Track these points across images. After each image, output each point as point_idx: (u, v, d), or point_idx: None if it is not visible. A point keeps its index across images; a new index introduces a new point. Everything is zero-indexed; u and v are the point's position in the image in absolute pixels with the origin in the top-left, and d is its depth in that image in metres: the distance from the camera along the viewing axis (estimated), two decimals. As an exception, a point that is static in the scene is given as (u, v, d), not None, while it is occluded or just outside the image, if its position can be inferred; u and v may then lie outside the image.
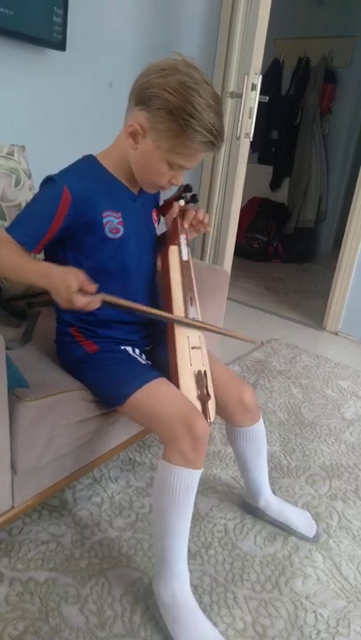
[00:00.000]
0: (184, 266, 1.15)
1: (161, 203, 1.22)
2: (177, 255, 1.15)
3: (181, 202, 1.16)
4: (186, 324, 1.09)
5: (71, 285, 0.88)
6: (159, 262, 1.20)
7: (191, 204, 1.18)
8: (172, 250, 1.15)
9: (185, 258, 1.15)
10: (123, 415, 1.13)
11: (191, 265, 1.17)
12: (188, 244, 1.17)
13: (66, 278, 0.89)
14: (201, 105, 0.91)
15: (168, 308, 1.11)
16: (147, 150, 0.98)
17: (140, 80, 0.96)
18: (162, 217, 1.22)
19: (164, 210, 1.20)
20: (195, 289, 1.15)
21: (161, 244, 1.21)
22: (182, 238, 1.16)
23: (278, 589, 1.13)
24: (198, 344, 1.10)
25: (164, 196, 1.22)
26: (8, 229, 1.00)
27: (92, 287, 0.89)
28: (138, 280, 1.14)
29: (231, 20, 2.25)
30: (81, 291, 0.88)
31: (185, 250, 1.16)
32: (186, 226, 1.17)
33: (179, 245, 1.15)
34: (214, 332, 1.18)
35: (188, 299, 1.12)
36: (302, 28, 3.99)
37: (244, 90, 2.15)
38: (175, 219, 1.17)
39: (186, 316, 1.10)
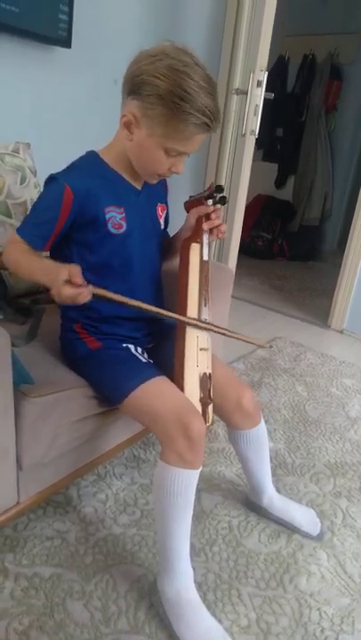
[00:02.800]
0: (203, 265, 1.13)
1: (171, 198, 1.21)
2: (198, 254, 1.14)
3: (210, 201, 1.15)
4: (185, 322, 1.08)
5: (60, 275, 0.87)
6: (173, 260, 1.18)
7: (219, 206, 1.16)
8: (194, 247, 1.14)
9: (205, 258, 1.14)
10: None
11: (210, 266, 1.15)
12: (209, 245, 1.15)
13: (59, 270, 0.89)
14: (192, 87, 0.90)
15: (182, 306, 1.09)
16: (142, 139, 0.98)
17: (130, 68, 0.96)
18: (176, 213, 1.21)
19: (189, 206, 1.18)
20: (210, 290, 1.13)
21: (175, 242, 1.20)
22: (205, 237, 1.14)
23: (283, 587, 1.14)
24: (206, 346, 1.09)
25: (177, 191, 1.20)
26: (18, 230, 1.04)
27: (80, 280, 0.87)
28: (143, 276, 1.13)
29: (237, 16, 2.24)
30: (70, 283, 0.87)
31: (206, 249, 1.14)
32: (206, 227, 1.15)
33: (201, 244, 1.14)
34: (213, 330, 1.14)
35: (202, 299, 1.10)
36: (308, 24, 3.96)
37: (249, 87, 2.14)
38: (201, 217, 1.15)
39: (199, 317, 1.09)
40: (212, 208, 1.15)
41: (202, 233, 1.14)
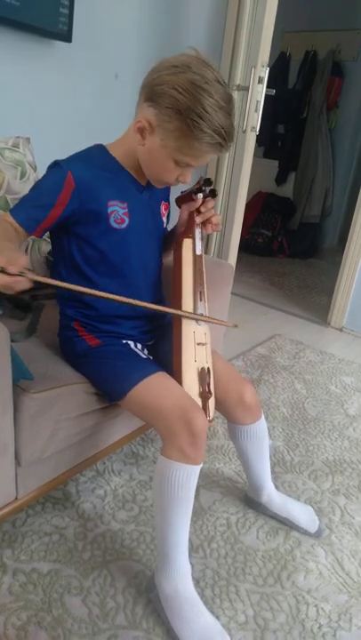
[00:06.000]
0: (197, 260, 1.14)
1: (172, 196, 1.21)
2: (191, 248, 1.14)
3: (200, 195, 1.14)
4: (162, 310, 1.08)
5: None
6: (169, 256, 1.18)
7: (209, 199, 1.16)
8: (187, 243, 1.14)
9: (198, 252, 1.14)
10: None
11: (203, 260, 1.16)
12: (202, 239, 1.15)
13: None
14: (211, 106, 0.89)
15: (177, 301, 1.10)
16: (154, 147, 0.97)
17: (151, 75, 0.95)
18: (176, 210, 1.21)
19: (180, 201, 1.19)
20: (205, 284, 1.14)
21: (171, 238, 1.20)
22: (197, 232, 1.14)
23: (280, 583, 1.14)
24: (204, 340, 1.09)
25: (180, 187, 1.20)
26: (11, 210, 1.01)
27: (14, 269, 0.82)
28: (141, 273, 1.13)
29: (239, 12, 2.23)
30: (3, 272, 0.82)
31: (199, 244, 1.14)
32: (199, 220, 1.15)
33: (193, 239, 1.14)
34: (189, 318, 1.11)
35: (197, 293, 1.11)
36: (310, 20, 3.95)
37: (250, 83, 2.13)
38: (192, 212, 1.15)
39: (194, 312, 1.09)
40: (200, 202, 1.14)
41: (194, 228, 1.15)
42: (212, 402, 1.05)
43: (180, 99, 0.89)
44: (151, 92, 0.93)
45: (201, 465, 0.98)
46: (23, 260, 0.85)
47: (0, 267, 0.82)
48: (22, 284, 0.84)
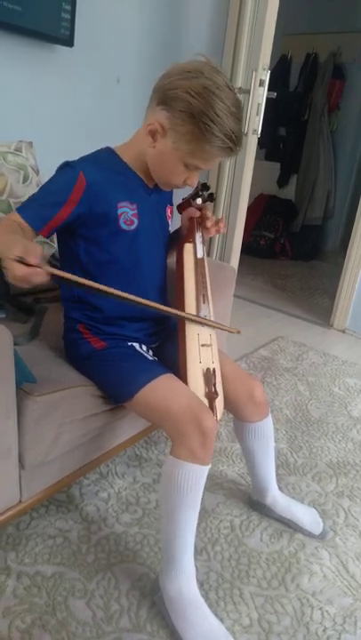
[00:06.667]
0: (198, 263, 1.15)
1: (175, 200, 1.22)
2: (192, 253, 1.15)
3: (198, 200, 1.17)
4: (173, 314, 1.09)
5: (13, 250, 0.78)
6: (172, 259, 1.19)
7: (208, 203, 1.19)
8: (188, 247, 1.15)
9: (200, 255, 1.15)
10: (130, 411, 1.13)
11: (206, 263, 1.17)
12: (203, 242, 1.17)
13: (13, 245, 0.80)
14: (222, 110, 0.91)
15: (180, 305, 1.11)
16: (165, 150, 0.98)
17: (163, 80, 0.96)
18: (178, 214, 1.22)
19: (181, 207, 1.21)
20: (208, 287, 1.15)
21: (174, 241, 1.21)
22: (198, 236, 1.16)
23: (284, 586, 1.13)
24: (209, 342, 1.10)
25: (181, 193, 1.22)
26: (18, 208, 1.00)
27: (34, 260, 0.79)
28: (149, 275, 1.14)
29: (239, 15, 2.24)
30: (22, 262, 0.79)
31: (200, 247, 1.16)
32: (210, 224, 1.16)
33: (194, 243, 1.16)
34: (195, 322, 1.11)
35: (200, 296, 1.12)
36: (311, 23, 3.96)
37: (251, 86, 2.14)
38: (192, 217, 1.17)
39: (197, 314, 1.10)
40: (199, 206, 1.17)
41: (194, 232, 1.16)
42: (219, 402, 1.05)
43: (194, 102, 0.91)
44: (164, 96, 0.95)
45: (209, 465, 0.98)
46: (39, 249, 0.81)
47: (18, 256, 0.78)
48: (40, 276, 0.81)
